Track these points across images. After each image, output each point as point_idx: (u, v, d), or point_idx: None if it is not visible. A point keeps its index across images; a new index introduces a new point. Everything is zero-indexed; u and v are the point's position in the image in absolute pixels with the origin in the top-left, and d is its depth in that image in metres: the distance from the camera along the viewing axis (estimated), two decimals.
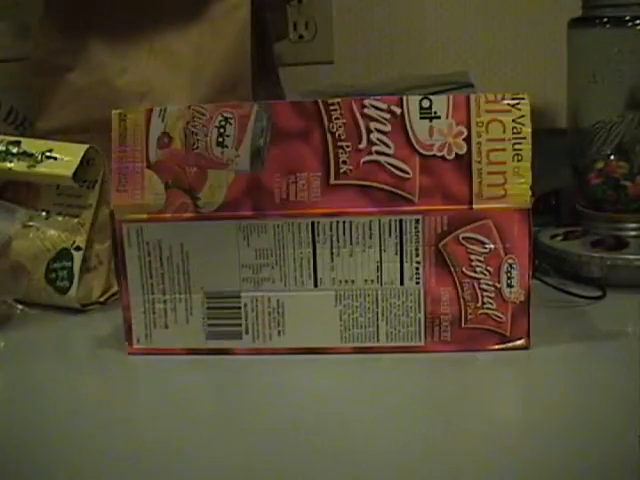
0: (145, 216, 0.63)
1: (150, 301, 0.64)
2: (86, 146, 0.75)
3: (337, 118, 0.61)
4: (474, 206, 0.60)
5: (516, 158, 0.60)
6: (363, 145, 0.61)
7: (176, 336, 0.64)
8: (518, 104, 0.61)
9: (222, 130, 0.62)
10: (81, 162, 0.74)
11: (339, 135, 0.61)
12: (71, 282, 0.74)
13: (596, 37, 0.77)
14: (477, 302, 0.61)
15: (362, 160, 0.61)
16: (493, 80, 1.00)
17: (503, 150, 0.60)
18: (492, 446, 0.50)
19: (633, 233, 0.77)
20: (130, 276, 0.64)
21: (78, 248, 0.75)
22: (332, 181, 0.61)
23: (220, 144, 0.62)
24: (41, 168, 0.75)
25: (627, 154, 0.77)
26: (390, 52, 1.03)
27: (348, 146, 0.61)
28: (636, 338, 0.64)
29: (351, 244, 0.62)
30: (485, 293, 0.61)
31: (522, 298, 0.61)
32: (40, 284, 0.75)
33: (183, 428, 0.54)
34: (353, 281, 0.62)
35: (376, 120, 0.61)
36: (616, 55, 0.75)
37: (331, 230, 0.62)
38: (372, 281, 0.62)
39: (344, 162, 0.61)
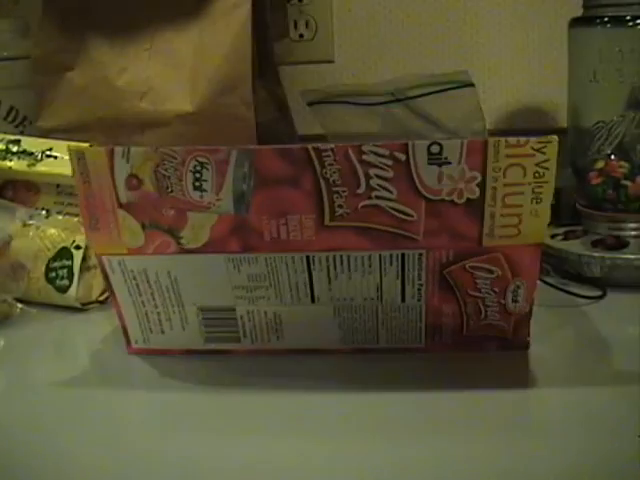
0: (125, 251, 0.59)
1: (143, 313, 0.63)
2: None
3: (330, 164, 0.54)
4: (484, 244, 0.56)
5: (535, 201, 0.55)
6: (361, 190, 0.55)
7: (173, 340, 0.64)
8: (544, 147, 0.53)
9: (198, 175, 0.56)
10: None
11: (334, 181, 0.55)
12: (71, 281, 0.74)
13: (597, 37, 0.77)
14: (480, 315, 0.60)
15: (360, 204, 0.55)
16: (493, 80, 1.00)
17: (521, 194, 0.54)
18: (491, 446, 0.50)
19: (633, 233, 0.77)
20: (118, 294, 0.62)
21: (78, 247, 0.75)
22: (327, 222, 0.56)
23: (198, 188, 0.56)
24: (41, 167, 0.75)
25: (627, 154, 0.77)
26: (390, 52, 1.02)
27: (344, 191, 0.55)
28: (636, 338, 0.64)
29: (349, 271, 0.58)
30: (489, 308, 0.60)
31: (527, 310, 0.60)
32: (40, 283, 0.75)
33: (182, 427, 0.54)
34: (352, 298, 0.60)
35: (376, 166, 0.54)
36: (617, 55, 0.74)
37: (327, 262, 0.58)
38: (372, 299, 0.60)
39: (340, 206, 0.55)
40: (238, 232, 0.57)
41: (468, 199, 0.55)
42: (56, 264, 0.75)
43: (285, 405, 0.56)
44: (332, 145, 0.54)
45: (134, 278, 0.61)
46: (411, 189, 0.55)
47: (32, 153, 0.76)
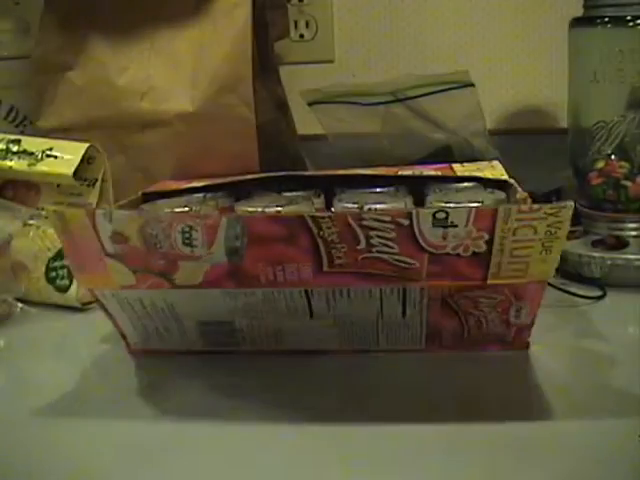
0: (117, 287, 0.58)
1: (140, 325, 0.62)
2: (86, 144, 0.75)
3: (329, 227, 0.52)
4: (489, 282, 0.55)
5: (544, 252, 0.53)
6: (361, 247, 0.53)
7: (173, 344, 0.63)
8: (559, 212, 0.51)
9: (187, 235, 0.54)
10: (81, 160, 0.74)
11: (332, 240, 0.53)
12: (71, 281, 0.74)
13: (597, 37, 0.77)
14: (481, 327, 0.59)
15: (360, 257, 0.53)
16: (493, 80, 1.00)
17: (530, 247, 0.53)
18: (490, 446, 0.50)
19: (633, 233, 0.77)
20: (113, 312, 0.62)
21: None
22: (326, 269, 0.54)
23: (188, 245, 0.54)
24: (41, 166, 0.75)
25: (628, 154, 0.77)
26: (390, 51, 1.03)
27: (343, 247, 0.53)
28: (636, 338, 0.64)
29: (349, 297, 0.57)
30: (490, 322, 0.59)
31: (528, 322, 0.59)
32: (40, 283, 0.75)
33: (184, 426, 0.54)
34: (351, 314, 0.59)
35: (377, 229, 0.52)
36: (617, 55, 0.74)
37: (327, 294, 0.57)
38: (372, 318, 0.59)
39: (339, 257, 0.53)
40: (233, 275, 0.56)
41: (474, 252, 0.53)
42: (56, 264, 0.75)
43: (285, 404, 0.56)
44: (330, 213, 0.53)
45: (129, 303, 0.60)
46: (414, 245, 0.53)
47: (32, 153, 0.76)
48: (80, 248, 0.57)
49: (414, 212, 0.52)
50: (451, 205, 0.60)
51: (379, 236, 0.52)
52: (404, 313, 0.59)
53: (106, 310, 0.62)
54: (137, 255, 0.55)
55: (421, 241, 0.52)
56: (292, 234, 0.53)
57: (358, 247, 0.53)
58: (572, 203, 0.52)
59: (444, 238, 0.52)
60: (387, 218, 0.52)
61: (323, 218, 0.52)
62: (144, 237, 0.54)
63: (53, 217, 0.56)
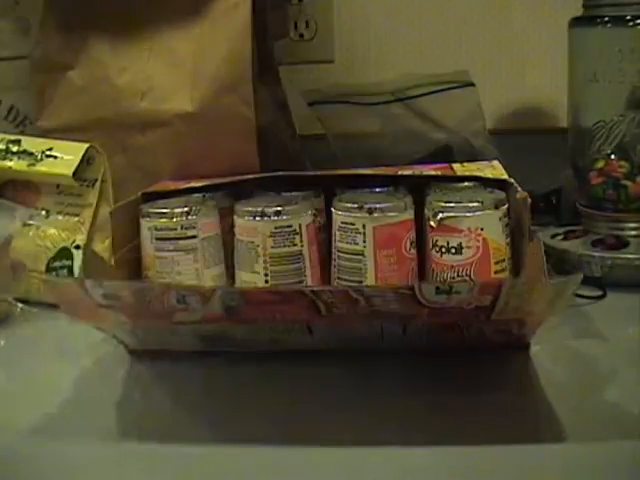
0: (113, 324, 0.59)
1: (139, 335, 0.62)
2: (86, 145, 0.75)
3: (328, 296, 0.53)
4: (492, 318, 0.55)
5: (549, 305, 0.54)
6: (361, 305, 0.53)
7: (173, 345, 0.63)
8: (566, 283, 0.52)
9: (181, 299, 0.54)
10: (81, 161, 0.74)
11: (331, 302, 0.53)
12: None
13: (597, 36, 0.77)
14: (483, 337, 0.59)
15: (360, 310, 0.54)
16: (493, 80, 1.00)
17: (538, 301, 0.53)
18: (490, 447, 0.50)
19: (633, 233, 0.77)
20: (107, 330, 0.62)
21: (78, 247, 0.75)
22: (324, 314, 0.55)
23: (182, 303, 0.54)
24: (41, 167, 0.75)
25: (628, 153, 0.77)
26: (390, 51, 1.03)
27: (342, 305, 0.54)
28: (636, 338, 0.64)
29: (350, 327, 0.58)
30: (493, 335, 0.59)
31: (530, 333, 0.60)
32: (40, 282, 0.75)
33: (184, 425, 0.54)
34: (351, 336, 0.60)
35: (379, 296, 0.53)
36: (617, 54, 0.74)
37: (327, 326, 0.58)
38: (373, 335, 0.59)
39: (338, 308, 0.54)
40: (230, 317, 0.56)
41: (477, 306, 0.53)
42: (56, 264, 0.75)
43: (284, 403, 0.56)
44: (330, 288, 0.54)
45: (125, 329, 0.61)
46: (416, 305, 0.53)
47: (32, 153, 0.76)
48: (74, 304, 0.57)
49: (416, 287, 0.52)
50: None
51: (382, 301, 0.53)
52: (404, 332, 0.59)
53: (101, 328, 0.62)
54: (132, 308, 0.56)
55: (424, 302, 0.53)
56: (291, 299, 0.54)
57: (357, 308, 0.53)
58: (580, 277, 0.52)
59: (448, 300, 0.52)
60: (389, 291, 0.53)
61: (323, 291, 0.53)
62: (137, 298, 0.55)
63: (45, 285, 0.57)
